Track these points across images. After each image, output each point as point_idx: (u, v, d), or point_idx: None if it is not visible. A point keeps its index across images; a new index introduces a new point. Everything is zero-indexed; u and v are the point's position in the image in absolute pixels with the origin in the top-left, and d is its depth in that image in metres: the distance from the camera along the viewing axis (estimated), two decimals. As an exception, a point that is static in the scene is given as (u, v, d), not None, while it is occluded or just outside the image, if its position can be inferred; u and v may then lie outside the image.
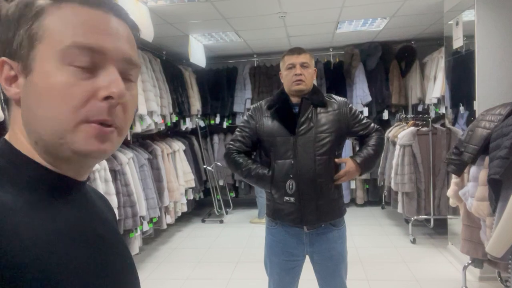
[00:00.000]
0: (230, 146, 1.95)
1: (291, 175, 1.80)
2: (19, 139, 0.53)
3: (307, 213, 1.80)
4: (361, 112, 1.97)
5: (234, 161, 1.91)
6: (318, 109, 1.84)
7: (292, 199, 1.81)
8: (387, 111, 5.47)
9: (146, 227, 3.64)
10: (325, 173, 1.80)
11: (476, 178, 2.41)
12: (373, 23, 4.40)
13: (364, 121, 1.94)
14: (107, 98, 0.50)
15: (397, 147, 4.14)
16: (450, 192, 2.83)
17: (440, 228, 4.11)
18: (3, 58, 0.51)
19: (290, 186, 1.81)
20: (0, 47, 0.52)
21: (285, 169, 1.82)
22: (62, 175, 0.53)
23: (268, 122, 1.87)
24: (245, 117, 1.98)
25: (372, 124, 1.96)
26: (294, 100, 1.87)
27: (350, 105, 1.93)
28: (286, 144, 1.82)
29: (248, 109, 2.07)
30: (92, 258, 0.51)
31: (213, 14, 3.60)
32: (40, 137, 0.50)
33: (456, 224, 3.69)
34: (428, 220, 4.11)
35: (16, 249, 0.43)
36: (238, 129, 1.97)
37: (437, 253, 3.69)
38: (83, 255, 0.50)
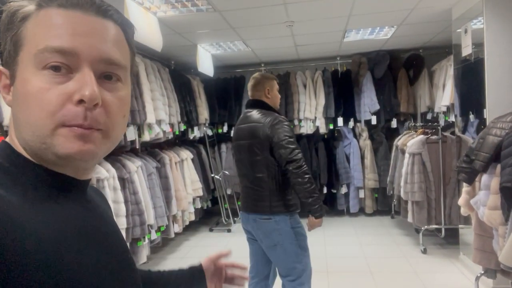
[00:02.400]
0: (298, 154, 2.13)
1: None
2: (16, 142, 0.54)
3: None
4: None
5: (309, 178, 2.12)
6: None
7: None
8: (395, 119, 5.43)
9: (154, 235, 3.64)
10: None
11: (488, 186, 2.37)
12: (380, 32, 4.41)
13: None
14: (81, 101, 0.49)
15: (407, 155, 4.10)
16: (461, 201, 2.78)
17: (451, 238, 4.04)
18: (0, 67, 0.52)
19: None
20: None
21: None
22: (62, 174, 0.54)
23: None
24: (287, 125, 2.19)
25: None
26: None
27: None
28: None
29: (284, 119, 2.23)
30: (97, 255, 0.52)
31: (221, 23, 3.64)
32: (26, 142, 0.51)
33: (467, 233, 3.63)
34: (439, 230, 4.05)
35: (24, 247, 0.43)
36: (290, 136, 2.15)
37: (449, 264, 3.63)
38: (88, 252, 0.51)
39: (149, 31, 3.00)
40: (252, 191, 2.23)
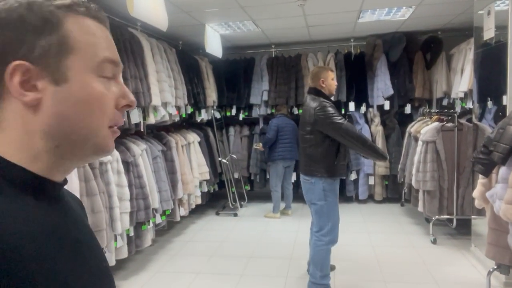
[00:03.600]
0: (342, 121, 2.68)
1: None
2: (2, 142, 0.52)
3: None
4: None
5: (355, 131, 2.67)
6: None
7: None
8: (409, 105, 5.26)
9: (159, 219, 3.61)
10: None
11: (506, 179, 2.24)
12: (397, 12, 4.19)
13: None
14: (126, 106, 0.58)
15: (420, 143, 3.96)
16: (476, 193, 2.66)
17: (463, 229, 3.93)
18: (21, 61, 0.49)
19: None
20: (7, 48, 0.49)
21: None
22: (41, 176, 0.53)
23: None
24: (330, 107, 2.71)
25: None
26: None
27: None
28: None
29: (325, 104, 2.73)
30: (71, 262, 0.51)
31: (229, 2, 3.49)
32: (68, 139, 0.53)
33: (480, 225, 3.51)
34: (450, 220, 3.94)
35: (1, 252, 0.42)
36: (334, 112, 2.69)
37: (459, 255, 3.53)
38: (63, 259, 0.49)
39: (153, 10, 2.88)
40: (301, 157, 2.92)
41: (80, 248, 0.54)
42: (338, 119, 2.67)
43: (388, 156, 2.79)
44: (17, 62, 0.49)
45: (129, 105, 0.58)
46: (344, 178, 2.95)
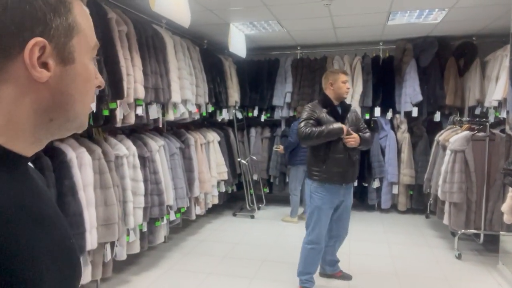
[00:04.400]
0: (302, 128, 2.76)
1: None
2: None
3: (348, 176, 2.83)
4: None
5: (309, 132, 2.70)
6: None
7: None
8: (439, 112, 5.03)
9: (173, 216, 3.59)
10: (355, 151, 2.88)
11: (539, 194, 2.07)
12: (429, 15, 4.02)
13: (363, 124, 3.03)
14: (97, 86, 0.62)
15: (448, 152, 3.77)
16: (505, 207, 2.48)
17: (490, 245, 3.70)
18: (40, 38, 0.51)
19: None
20: (27, 23, 0.51)
21: (339, 146, 2.81)
22: (10, 150, 0.52)
23: (323, 115, 2.82)
24: (307, 111, 2.83)
25: (367, 129, 3.04)
26: (335, 102, 2.90)
27: (357, 113, 3.09)
28: None
29: (305, 108, 2.89)
30: (38, 237, 0.50)
31: (253, 0, 3.44)
32: (66, 115, 0.56)
33: (509, 241, 3.29)
34: (477, 235, 3.71)
35: None
36: (305, 117, 2.80)
37: (485, 272, 3.31)
38: (31, 234, 0.48)
39: (176, 6, 2.87)
40: None
41: (47, 223, 0.54)
42: (302, 124, 2.76)
43: (340, 126, 2.72)
44: (38, 38, 0.51)
45: (100, 86, 0.62)
46: (340, 184, 2.81)
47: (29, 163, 0.61)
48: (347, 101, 5.01)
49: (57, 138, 0.62)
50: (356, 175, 2.94)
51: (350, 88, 2.89)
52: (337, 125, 2.73)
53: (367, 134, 2.92)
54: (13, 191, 0.50)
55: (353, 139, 2.75)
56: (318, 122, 2.79)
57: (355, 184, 5.13)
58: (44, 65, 0.52)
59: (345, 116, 2.87)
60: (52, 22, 0.52)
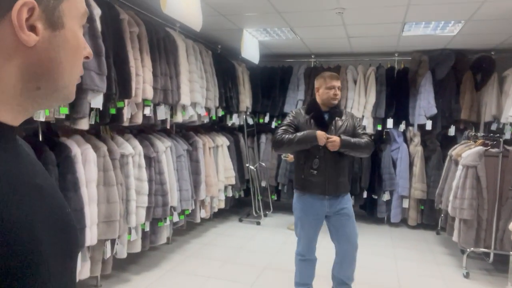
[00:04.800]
0: (276, 134, 2.65)
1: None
2: None
3: (330, 187, 2.61)
4: (363, 127, 2.95)
5: (280, 139, 2.59)
6: (337, 118, 2.71)
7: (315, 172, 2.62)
8: (454, 126, 4.92)
9: (176, 218, 3.61)
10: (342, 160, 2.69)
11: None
12: (445, 27, 3.96)
13: (362, 130, 2.75)
14: (85, 57, 0.60)
15: (460, 167, 3.67)
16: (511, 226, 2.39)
17: (500, 265, 3.56)
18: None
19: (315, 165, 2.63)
20: None
21: (315, 154, 2.62)
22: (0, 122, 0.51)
23: (306, 121, 2.67)
24: (289, 117, 2.74)
25: (367, 135, 2.73)
26: (324, 108, 2.71)
27: (357, 118, 2.83)
28: None
29: (290, 112, 2.81)
30: (34, 207, 0.48)
31: (266, 7, 3.46)
32: (53, 84, 0.54)
33: (521, 263, 3.16)
34: (487, 254, 3.59)
35: None
36: (284, 123, 2.70)
37: (494, 294, 3.19)
38: (26, 204, 0.47)
39: (187, 9, 2.91)
40: None
41: (42, 193, 0.52)
42: (278, 131, 2.66)
43: (314, 133, 2.53)
44: None
45: (88, 57, 0.60)
46: (321, 195, 2.63)
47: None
48: (359, 111, 5.06)
49: (44, 108, 0.59)
50: (343, 187, 2.67)
51: (338, 94, 2.64)
52: (312, 131, 2.55)
53: (363, 140, 2.63)
54: (3, 160, 0.48)
55: (330, 142, 2.53)
56: (297, 129, 2.64)
57: (365, 196, 5.11)
58: (32, 29, 0.49)
59: (330, 123, 2.65)
60: None
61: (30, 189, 0.49)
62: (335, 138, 2.55)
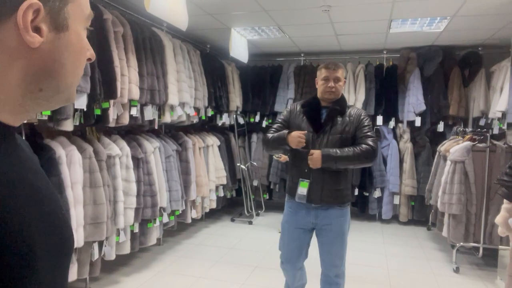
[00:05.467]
0: (267, 134, 2.39)
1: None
2: None
3: (313, 193, 2.25)
4: (371, 127, 2.33)
5: (266, 139, 2.35)
6: (338, 116, 2.28)
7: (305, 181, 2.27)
8: (443, 122, 4.95)
9: (166, 219, 3.59)
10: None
11: (531, 205, 2.00)
12: (431, 24, 3.98)
13: (365, 131, 2.26)
14: (88, 59, 0.60)
15: (448, 162, 3.69)
16: (499, 219, 2.40)
17: (489, 259, 3.59)
18: (35, 0, 0.48)
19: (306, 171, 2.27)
20: None
21: (304, 155, 2.24)
22: (1, 122, 0.51)
23: (299, 118, 2.33)
24: (282, 114, 2.47)
25: (370, 139, 2.24)
26: (324, 103, 2.33)
27: (363, 116, 2.30)
28: (308, 138, 2.25)
29: (287, 107, 2.58)
30: (30, 208, 0.49)
31: (252, 5, 3.45)
32: (56, 85, 0.54)
33: (508, 256, 3.17)
34: (476, 249, 3.61)
35: None
36: (276, 121, 2.46)
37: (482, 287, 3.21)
38: (22, 205, 0.47)
39: (172, 8, 2.89)
40: None
41: (38, 195, 0.52)
42: (269, 130, 2.41)
43: (284, 134, 2.25)
44: (33, 0, 0.48)
45: (90, 59, 0.60)
46: (307, 203, 2.28)
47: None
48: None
49: (45, 109, 0.59)
50: (335, 198, 2.25)
51: (334, 87, 2.24)
52: (283, 133, 2.26)
53: (358, 148, 2.18)
54: (2, 161, 0.48)
55: (310, 160, 2.18)
56: (289, 126, 2.35)
57: (356, 193, 5.11)
58: (37, 30, 0.50)
59: (328, 122, 2.26)
60: None
61: (27, 190, 0.50)
62: (315, 154, 2.17)
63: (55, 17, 0.52)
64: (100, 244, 2.80)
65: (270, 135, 2.35)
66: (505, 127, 4.09)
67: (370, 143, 2.20)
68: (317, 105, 2.32)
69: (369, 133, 2.23)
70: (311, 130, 2.26)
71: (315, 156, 2.17)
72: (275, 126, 2.40)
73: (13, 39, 0.49)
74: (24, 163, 0.54)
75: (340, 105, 2.29)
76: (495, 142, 3.59)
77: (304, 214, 2.30)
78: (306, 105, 2.35)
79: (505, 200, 2.34)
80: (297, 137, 2.18)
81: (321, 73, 2.30)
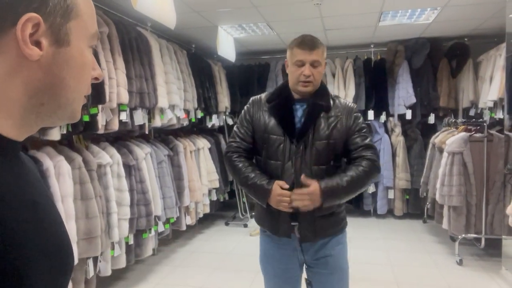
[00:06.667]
0: (231, 144, 1.75)
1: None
2: None
3: (303, 227, 1.62)
4: (367, 131, 1.68)
5: (233, 165, 1.70)
6: (322, 114, 1.64)
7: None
8: (433, 114, 4.94)
9: (161, 227, 3.41)
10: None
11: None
12: (421, 15, 3.94)
13: (363, 139, 1.63)
14: (95, 78, 0.60)
15: (445, 154, 3.66)
16: (510, 209, 2.36)
17: (492, 249, 3.58)
18: (34, 14, 0.49)
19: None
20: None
21: (277, 171, 1.64)
22: (3, 136, 0.51)
23: (265, 117, 1.67)
24: (243, 113, 1.76)
25: (370, 151, 1.62)
26: (297, 96, 1.66)
27: (356, 114, 1.67)
28: (279, 144, 1.63)
29: (248, 102, 1.77)
30: (27, 224, 0.48)
31: (242, 0, 3.32)
32: (57, 100, 0.54)
33: (511, 245, 3.18)
34: (478, 240, 3.60)
35: None
36: (237, 123, 1.78)
37: (488, 279, 3.18)
38: (19, 221, 0.47)
39: (160, 6, 2.73)
40: None
41: (37, 210, 0.52)
42: (229, 140, 1.77)
43: (267, 188, 1.60)
44: (32, 14, 0.49)
45: (97, 78, 0.61)
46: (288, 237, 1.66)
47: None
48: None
49: (49, 125, 0.61)
50: (330, 225, 1.66)
51: (312, 75, 1.58)
52: (262, 187, 1.58)
53: (361, 168, 1.56)
54: (3, 177, 0.48)
55: (300, 200, 1.52)
56: (253, 132, 1.69)
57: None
58: (37, 44, 0.50)
59: (308, 124, 1.60)
60: (49, 0, 0.51)
61: (25, 206, 0.49)
62: (312, 190, 1.50)
63: (56, 32, 0.52)
64: (95, 259, 2.62)
65: (236, 160, 1.68)
66: (497, 116, 4.09)
67: (372, 157, 1.60)
68: (288, 97, 1.65)
69: (367, 141, 1.62)
70: (283, 136, 1.61)
71: (313, 196, 1.50)
72: (237, 133, 1.72)
73: (14, 52, 0.49)
74: (25, 178, 0.54)
75: (323, 98, 1.64)
76: (491, 131, 3.58)
77: (291, 249, 1.69)
78: (274, 99, 1.67)
79: (516, 190, 2.30)
80: (277, 194, 1.55)
81: (293, 55, 1.61)
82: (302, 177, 1.54)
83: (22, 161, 0.56)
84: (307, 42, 1.61)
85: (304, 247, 1.68)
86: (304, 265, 1.75)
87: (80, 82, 0.57)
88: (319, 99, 1.64)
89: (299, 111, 1.65)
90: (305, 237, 1.63)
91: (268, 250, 1.76)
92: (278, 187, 1.56)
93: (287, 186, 1.57)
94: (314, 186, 1.51)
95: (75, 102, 0.57)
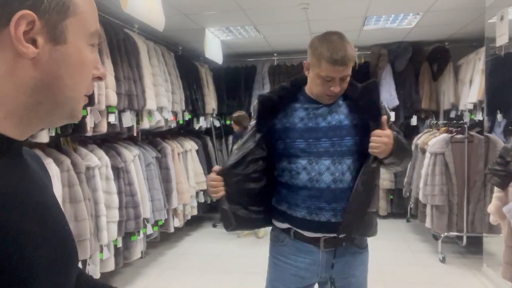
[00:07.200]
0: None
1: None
2: None
3: (348, 219, 1.41)
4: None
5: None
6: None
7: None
8: (416, 116, 5.07)
9: (150, 230, 3.40)
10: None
11: (527, 192, 2.04)
12: (404, 20, 4.05)
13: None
14: (97, 77, 0.60)
15: (427, 155, 3.77)
16: (491, 208, 2.45)
17: (473, 247, 3.69)
18: (28, 11, 0.48)
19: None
20: None
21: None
22: (3, 135, 0.51)
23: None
24: (252, 123, 1.58)
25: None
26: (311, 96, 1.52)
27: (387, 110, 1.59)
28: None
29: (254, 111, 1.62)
30: (33, 224, 0.48)
31: (229, 4, 3.35)
32: (54, 99, 0.54)
33: (493, 243, 3.29)
34: (460, 238, 3.71)
35: None
36: (241, 144, 1.59)
37: (470, 275, 3.29)
38: (25, 221, 0.47)
39: (149, 8, 2.74)
40: None
41: (41, 210, 0.52)
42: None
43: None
44: (26, 11, 0.48)
45: (100, 78, 0.60)
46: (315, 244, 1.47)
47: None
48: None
49: (49, 125, 0.59)
50: (368, 225, 1.48)
51: (338, 89, 1.42)
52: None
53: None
54: (5, 176, 0.48)
55: (378, 141, 1.34)
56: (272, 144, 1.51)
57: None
58: (33, 42, 0.50)
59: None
60: None
61: (27, 205, 0.49)
62: (389, 132, 1.36)
63: (52, 29, 0.51)
64: (84, 262, 2.59)
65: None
66: (476, 118, 4.24)
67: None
68: (304, 97, 1.53)
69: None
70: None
71: (386, 138, 1.33)
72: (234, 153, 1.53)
73: (10, 50, 0.49)
74: (28, 178, 0.53)
75: (359, 89, 1.50)
76: (472, 132, 3.70)
77: (308, 262, 1.47)
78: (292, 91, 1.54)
79: (496, 189, 2.40)
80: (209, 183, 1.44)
81: (320, 68, 1.39)
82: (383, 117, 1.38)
83: (25, 159, 0.56)
84: (339, 60, 1.36)
85: (326, 259, 1.46)
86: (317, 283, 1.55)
87: (79, 80, 0.56)
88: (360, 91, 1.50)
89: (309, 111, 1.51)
90: (339, 228, 1.39)
91: (282, 265, 1.54)
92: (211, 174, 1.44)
93: (218, 167, 1.45)
94: (388, 130, 1.37)
95: (74, 101, 0.56)
